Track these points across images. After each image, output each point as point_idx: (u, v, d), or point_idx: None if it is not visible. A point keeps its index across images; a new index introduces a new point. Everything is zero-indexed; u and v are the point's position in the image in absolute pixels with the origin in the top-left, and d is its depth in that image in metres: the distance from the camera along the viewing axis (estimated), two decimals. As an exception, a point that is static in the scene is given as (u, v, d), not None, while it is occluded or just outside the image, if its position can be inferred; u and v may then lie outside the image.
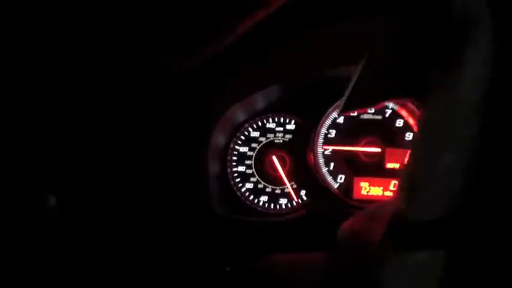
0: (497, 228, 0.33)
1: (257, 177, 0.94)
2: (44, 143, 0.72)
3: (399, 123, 0.90)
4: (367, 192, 0.90)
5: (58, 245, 0.71)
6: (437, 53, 0.37)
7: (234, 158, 0.94)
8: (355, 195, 0.90)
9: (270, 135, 0.94)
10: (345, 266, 0.42)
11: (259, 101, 0.89)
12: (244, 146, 0.94)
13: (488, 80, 0.33)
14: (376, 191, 0.89)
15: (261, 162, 0.94)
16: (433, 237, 0.33)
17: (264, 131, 0.94)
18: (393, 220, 0.36)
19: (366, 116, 0.90)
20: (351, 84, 0.47)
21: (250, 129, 0.94)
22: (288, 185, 0.92)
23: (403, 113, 0.90)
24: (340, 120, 0.91)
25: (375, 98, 0.72)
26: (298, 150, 0.92)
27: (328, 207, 0.89)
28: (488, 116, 0.33)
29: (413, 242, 0.34)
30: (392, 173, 0.89)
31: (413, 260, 0.34)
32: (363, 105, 0.82)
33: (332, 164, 0.91)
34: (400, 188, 0.38)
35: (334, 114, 0.91)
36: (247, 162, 0.94)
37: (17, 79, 0.60)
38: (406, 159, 0.39)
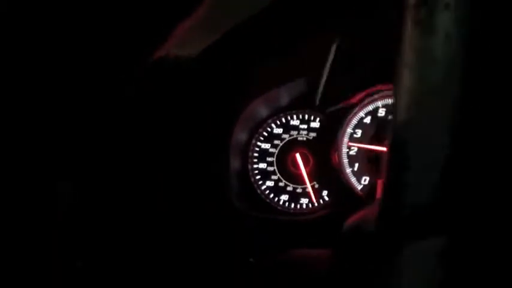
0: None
1: (278, 175, 0.91)
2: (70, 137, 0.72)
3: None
4: (391, 195, 0.86)
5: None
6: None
7: (256, 154, 0.92)
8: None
9: (294, 133, 0.91)
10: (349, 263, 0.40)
11: (283, 96, 0.87)
12: (266, 142, 0.92)
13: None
14: (400, 195, 0.86)
15: (283, 160, 0.91)
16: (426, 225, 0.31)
17: (287, 127, 0.91)
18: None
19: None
20: (322, 79, 0.45)
21: (273, 125, 0.92)
22: (309, 184, 0.89)
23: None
24: (367, 120, 0.87)
25: (349, 90, 0.68)
26: (322, 149, 0.89)
27: (351, 209, 0.86)
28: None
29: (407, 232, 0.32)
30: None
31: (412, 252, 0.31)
32: (339, 99, 0.79)
33: (356, 165, 0.88)
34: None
35: (361, 114, 0.87)
36: (269, 159, 0.92)
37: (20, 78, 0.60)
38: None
